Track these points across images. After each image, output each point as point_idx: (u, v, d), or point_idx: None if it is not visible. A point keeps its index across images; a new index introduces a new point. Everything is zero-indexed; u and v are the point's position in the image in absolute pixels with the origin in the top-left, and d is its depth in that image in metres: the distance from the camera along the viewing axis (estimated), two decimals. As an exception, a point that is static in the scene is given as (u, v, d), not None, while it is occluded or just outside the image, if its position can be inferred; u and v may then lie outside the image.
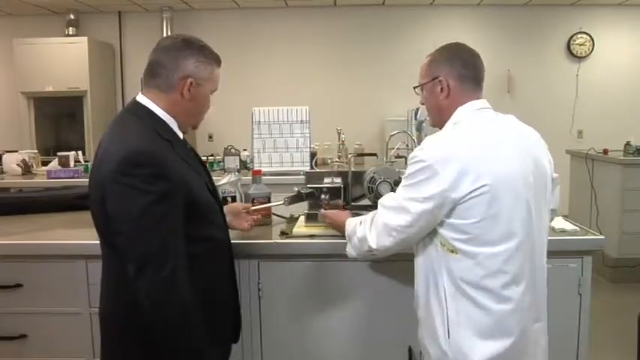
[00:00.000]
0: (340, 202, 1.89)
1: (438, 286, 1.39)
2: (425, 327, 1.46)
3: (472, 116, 1.43)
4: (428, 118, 1.59)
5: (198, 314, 1.30)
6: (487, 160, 1.33)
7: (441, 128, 1.48)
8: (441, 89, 1.46)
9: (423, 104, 1.57)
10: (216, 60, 1.45)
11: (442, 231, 1.37)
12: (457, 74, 1.46)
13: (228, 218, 1.68)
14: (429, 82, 1.49)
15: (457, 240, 1.35)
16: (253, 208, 1.88)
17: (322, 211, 1.81)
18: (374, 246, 1.46)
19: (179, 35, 1.44)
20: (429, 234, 1.40)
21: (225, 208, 1.74)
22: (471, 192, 1.30)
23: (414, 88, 1.58)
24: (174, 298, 1.25)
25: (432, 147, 1.36)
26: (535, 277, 1.40)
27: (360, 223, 1.53)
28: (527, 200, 1.36)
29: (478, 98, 1.47)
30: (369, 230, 1.47)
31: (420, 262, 1.46)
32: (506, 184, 1.33)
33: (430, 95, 1.51)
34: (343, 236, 1.78)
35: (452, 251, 1.36)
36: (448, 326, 1.37)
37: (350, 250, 1.57)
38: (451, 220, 1.34)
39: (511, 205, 1.34)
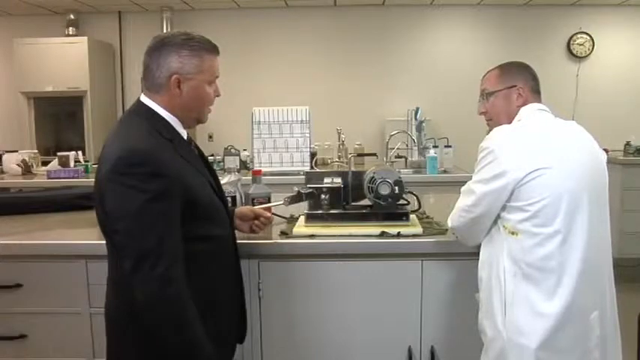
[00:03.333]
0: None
1: (498, 267, 1.48)
2: (484, 308, 1.53)
3: (534, 114, 1.60)
4: (489, 126, 1.72)
5: (195, 311, 1.30)
6: (545, 146, 1.47)
7: None
8: (517, 97, 1.63)
9: (483, 113, 1.71)
10: (206, 49, 1.41)
11: (505, 214, 1.48)
12: (530, 86, 1.65)
13: (241, 227, 1.73)
14: (504, 90, 1.65)
15: (519, 221, 1.44)
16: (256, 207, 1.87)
17: None
18: (450, 225, 1.64)
19: (163, 34, 1.42)
20: (494, 220, 1.52)
21: (236, 211, 1.75)
22: (529, 173, 1.42)
23: (484, 96, 1.70)
24: (168, 294, 1.25)
25: (495, 136, 1.53)
26: (594, 266, 1.45)
27: None
28: (586, 190, 1.45)
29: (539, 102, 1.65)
30: (451, 214, 1.64)
31: (484, 247, 1.57)
32: (565, 171, 1.44)
33: (502, 102, 1.66)
34: (342, 236, 1.79)
35: (513, 233, 1.46)
36: (505, 305, 1.45)
37: None
38: (512, 203, 1.46)
39: (569, 191, 1.43)
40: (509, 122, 1.62)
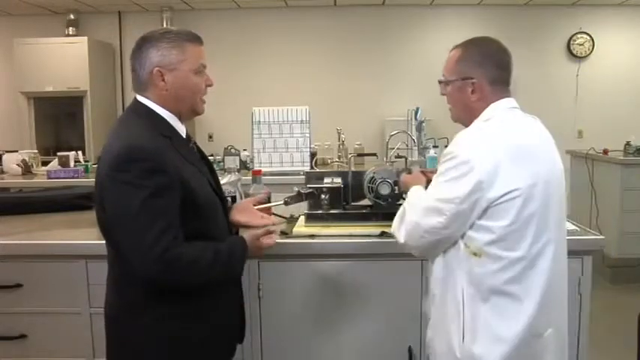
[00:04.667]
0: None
1: (456, 289, 1.37)
2: (438, 328, 1.43)
3: (504, 115, 1.41)
4: (450, 112, 1.55)
5: (209, 248, 1.35)
6: (522, 161, 1.33)
7: (465, 125, 1.46)
8: (473, 91, 1.43)
9: (443, 95, 1.53)
10: (186, 39, 1.40)
11: (471, 233, 1.34)
12: (491, 77, 1.43)
13: (237, 217, 1.65)
14: (459, 81, 1.45)
15: (486, 243, 1.32)
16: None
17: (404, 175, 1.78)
18: (402, 242, 1.43)
19: (144, 34, 1.41)
20: None
21: (234, 206, 1.72)
22: (506, 193, 1.29)
23: (440, 82, 1.52)
24: (181, 270, 1.29)
25: (468, 143, 1.34)
26: (556, 284, 1.37)
27: (399, 213, 1.49)
28: (556, 202, 1.37)
29: (507, 97, 1.45)
30: (399, 227, 1.45)
31: (439, 263, 1.42)
32: (540, 186, 1.33)
33: (458, 93, 1.46)
34: (342, 236, 1.78)
35: (475, 254, 1.33)
36: (463, 330, 1.35)
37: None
38: (482, 222, 1.32)
39: (543, 208, 1.33)
40: (468, 116, 1.45)
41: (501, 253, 1.31)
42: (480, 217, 1.32)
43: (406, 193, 1.65)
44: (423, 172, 1.76)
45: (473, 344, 1.34)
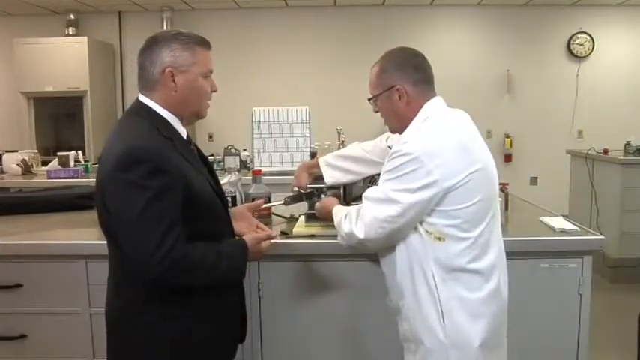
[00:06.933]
0: (338, 192, 1.90)
1: (426, 275, 1.42)
2: (416, 318, 1.46)
3: (440, 112, 1.50)
4: (387, 126, 1.65)
5: (210, 250, 1.35)
6: (468, 148, 1.41)
7: (401, 133, 1.53)
8: (400, 97, 1.51)
9: (377, 112, 1.62)
10: (197, 42, 1.40)
11: (430, 219, 1.40)
12: (412, 80, 1.51)
13: (232, 223, 1.64)
14: (385, 92, 1.54)
15: (448, 226, 1.39)
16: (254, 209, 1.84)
17: (317, 204, 1.79)
18: (362, 237, 1.46)
19: (154, 34, 1.41)
20: None
21: (231, 211, 1.71)
22: (461, 179, 1.36)
23: (369, 100, 1.61)
24: (182, 271, 1.28)
25: (416, 140, 1.41)
26: (502, 253, 1.50)
27: (346, 216, 1.54)
28: (497, 189, 1.50)
29: (435, 96, 1.53)
30: (355, 224, 1.48)
31: (401, 254, 1.46)
32: (486, 170, 1.42)
33: (387, 104, 1.55)
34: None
35: (439, 238, 1.40)
36: (442, 313, 1.40)
37: (341, 241, 1.58)
38: (442, 208, 1.38)
39: (491, 188, 1.44)
40: (403, 123, 1.52)
41: (463, 234, 1.39)
42: (439, 204, 1.38)
43: (326, 219, 1.72)
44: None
45: (455, 323, 1.40)
